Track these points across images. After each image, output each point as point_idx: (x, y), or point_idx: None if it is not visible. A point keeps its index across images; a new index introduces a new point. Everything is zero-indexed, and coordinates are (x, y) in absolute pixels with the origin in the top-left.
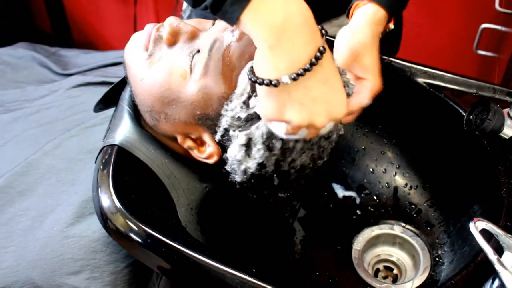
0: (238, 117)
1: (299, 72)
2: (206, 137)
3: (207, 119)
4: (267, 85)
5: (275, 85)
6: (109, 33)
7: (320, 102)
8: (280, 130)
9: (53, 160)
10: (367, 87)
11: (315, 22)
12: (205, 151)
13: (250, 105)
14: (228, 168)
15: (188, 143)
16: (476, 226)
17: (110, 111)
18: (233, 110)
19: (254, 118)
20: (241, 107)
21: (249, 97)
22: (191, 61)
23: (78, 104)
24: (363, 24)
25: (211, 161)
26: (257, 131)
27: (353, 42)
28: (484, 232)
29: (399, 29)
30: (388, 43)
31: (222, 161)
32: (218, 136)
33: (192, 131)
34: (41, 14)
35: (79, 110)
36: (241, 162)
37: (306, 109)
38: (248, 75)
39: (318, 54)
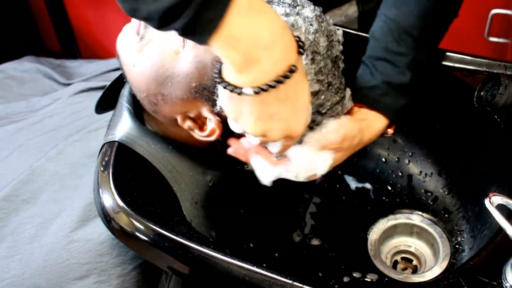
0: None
1: (263, 87)
2: (206, 111)
3: (204, 89)
4: (230, 91)
5: (238, 93)
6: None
7: (276, 120)
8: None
9: (57, 166)
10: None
11: (291, 37)
12: (207, 129)
13: None
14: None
15: (188, 123)
16: (492, 202)
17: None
18: (218, 72)
19: None
20: None
21: None
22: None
23: (80, 109)
24: (366, 140)
25: (213, 137)
26: None
27: (349, 145)
28: (503, 209)
29: None
30: None
31: (225, 149)
32: (218, 107)
33: (191, 108)
34: (50, 36)
35: (82, 116)
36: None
37: (261, 123)
38: (215, 76)
39: (288, 73)
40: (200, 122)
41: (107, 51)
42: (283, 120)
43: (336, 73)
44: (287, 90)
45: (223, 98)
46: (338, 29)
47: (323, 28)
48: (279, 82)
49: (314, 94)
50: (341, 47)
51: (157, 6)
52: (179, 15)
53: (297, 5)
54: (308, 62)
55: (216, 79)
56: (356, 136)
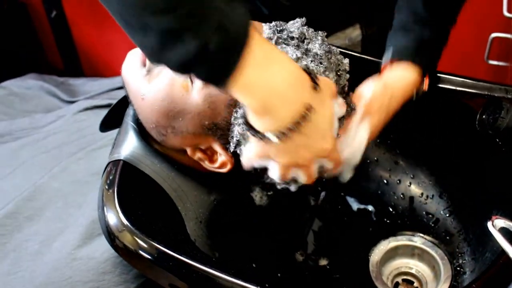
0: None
1: (284, 132)
2: (217, 146)
3: (218, 129)
4: (253, 135)
5: (261, 138)
6: (119, 64)
7: (303, 148)
8: (273, 175)
9: (60, 183)
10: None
11: (304, 77)
12: (217, 161)
13: None
14: None
15: (198, 155)
16: (495, 225)
17: (116, 132)
18: (243, 117)
19: None
20: None
21: None
22: None
23: (84, 127)
24: (400, 94)
25: (224, 170)
26: None
27: (380, 105)
28: (505, 233)
29: None
30: None
31: (231, 171)
32: (231, 147)
33: (202, 141)
34: (54, 53)
35: (86, 134)
36: None
37: (290, 155)
38: (240, 119)
39: (304, 113)
40: (209, 153)
41: (110, 69)
42: (309, 148)
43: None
44: (307, 125)
45: (250, 142)
46: (344, 57)
47: (332, 64)
48: (298, 123)
49: None
50: (347, 76)
51: (177, 56)
52: (196, 65)
53: (305, 39)
54: None
55: (240, 123)
56: (384, 95)
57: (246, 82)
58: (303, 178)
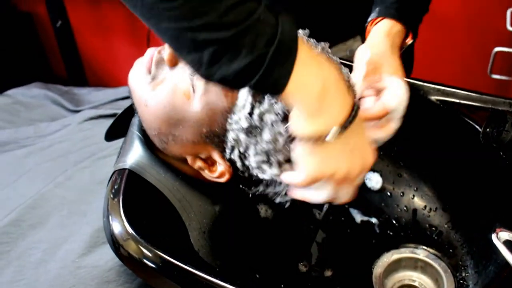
0: (242, 128)
1: (345, 124)
2: (216, 155)
3: (214, 136)
4: (315, 141)
5: (318, 141)
6: (123, 75)
7: (356, 152)
8: (321, 197)
9: (65, 191)
10: (393, 90)
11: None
12: (216, 170)
13: (254, 114)
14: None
15: (198, 164)
16: (499, 237)
17: (121, 141)
18: (237, 122)
19: (257, 128)
20: (246, 118)
21: (253, 107)
22: (193, 80)
23: (90, 136)
24: (379, 38)
25: (222, 179)
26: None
27: (371, 55)
28: (509, 246)
29: (410, 56)
30: None
31: (235, 182)
32: (227, 153)
33: (201, 150)
34: (59, 63)
35: (91, 143)
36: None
37: (347, 160)
38: (287, 137)
39: (356, 107)
40: (210, 162)
41: (114, 79)
42: (360, 152)
43: None
44: (357, 124)
45: (304, 157)
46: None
47: None
48: (353, 118)
49: None
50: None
51: (230, 70)
52: (251, 76)
53: None
54: None
55: (291, 141)
56: (387, 46)
57: (301, 80)
58: (346, 196)
